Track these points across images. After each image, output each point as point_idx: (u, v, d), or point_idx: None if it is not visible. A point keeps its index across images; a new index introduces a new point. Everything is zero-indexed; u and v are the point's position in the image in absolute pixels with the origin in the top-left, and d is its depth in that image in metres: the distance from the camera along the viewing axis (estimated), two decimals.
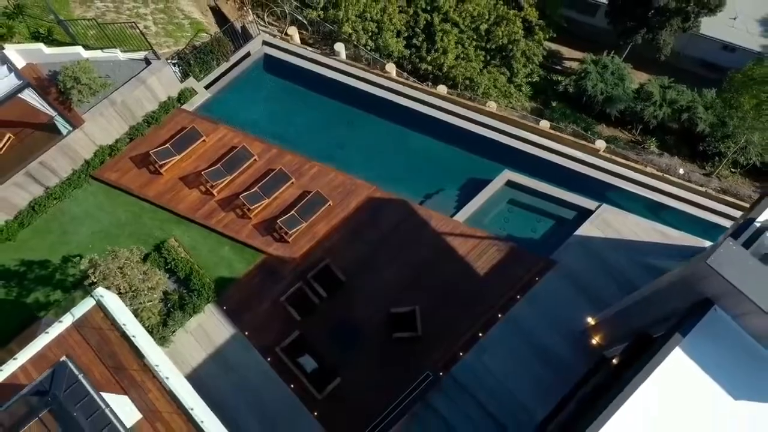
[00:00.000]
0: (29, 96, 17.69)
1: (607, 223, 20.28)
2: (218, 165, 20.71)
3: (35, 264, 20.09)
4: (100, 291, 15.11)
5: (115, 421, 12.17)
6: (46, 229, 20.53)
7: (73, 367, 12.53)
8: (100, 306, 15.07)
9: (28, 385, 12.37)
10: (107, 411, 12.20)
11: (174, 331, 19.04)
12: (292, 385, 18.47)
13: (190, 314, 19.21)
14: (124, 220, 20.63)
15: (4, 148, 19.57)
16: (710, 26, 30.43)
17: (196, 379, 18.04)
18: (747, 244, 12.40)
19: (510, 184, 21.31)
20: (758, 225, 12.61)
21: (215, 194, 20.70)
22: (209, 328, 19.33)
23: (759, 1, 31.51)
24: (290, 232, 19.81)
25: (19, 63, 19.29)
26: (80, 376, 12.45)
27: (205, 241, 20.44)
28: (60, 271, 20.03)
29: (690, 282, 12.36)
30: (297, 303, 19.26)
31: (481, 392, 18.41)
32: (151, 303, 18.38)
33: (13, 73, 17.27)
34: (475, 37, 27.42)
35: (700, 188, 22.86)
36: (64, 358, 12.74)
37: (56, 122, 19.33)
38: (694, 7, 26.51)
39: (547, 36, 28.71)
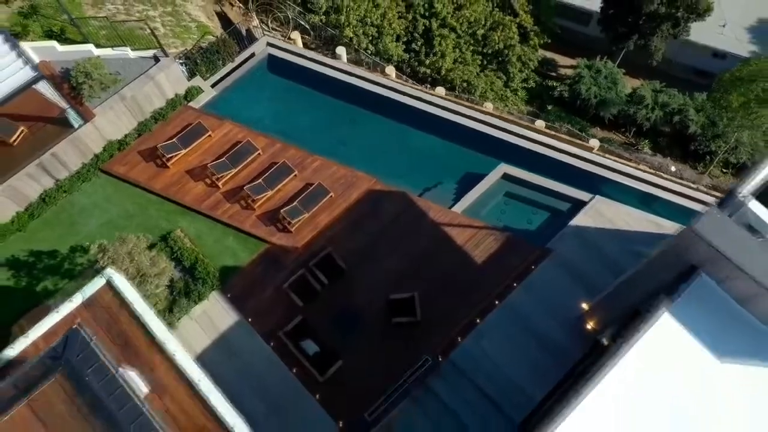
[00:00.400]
0: (43, 88, 18.41)
1: (601, 214, 20.90)
2: (223, 158, 21.40)
3: (44, 254, 20.63)
4: (109, 271, 15.60)
5: (124, 384, 12.64)
6: (55, 220, 21.14)
7: (84, 333, 13.04)
8: (109, 285, 15.50)
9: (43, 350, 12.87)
10: (117, 375, 12.68)
11: (179, 318, 19.52)
12: (294, 369, 18.89)
13: (195, 301, 19.71)
14: (131, 211, 21.24)
15: (17, 141, 20.25)
16: (700, 34, 31.41)
17: (200, 364, 18.43)
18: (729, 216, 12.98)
19: (506, 177, 21.98)
20: (741, 198, 13.20)
21: (220, 186, 21.35)
22: (214, 315, 19.81)
23: (747, 9, 32.53)
24: (293, 222, 20.42)
25: (33, 60, 20.05)
26: (92, 343, 12.95)
27: (210, 232, 21.02)
28: (68, 260, 20.56)
29: (677, 250, 12.96)
30: (299, 290, 19.78)
31: (479, 376, 18.82)
32: (159, 290, 18.93)
33: (28, 66, 18.02)
34: (472, 42, 28.35)
35: (692, 184, 23.53)
36: (76, 325, 13.24)
37: (68, 115, 20.03)
38: (683, 13, 27.44)
39: (542, 41, 29.67)
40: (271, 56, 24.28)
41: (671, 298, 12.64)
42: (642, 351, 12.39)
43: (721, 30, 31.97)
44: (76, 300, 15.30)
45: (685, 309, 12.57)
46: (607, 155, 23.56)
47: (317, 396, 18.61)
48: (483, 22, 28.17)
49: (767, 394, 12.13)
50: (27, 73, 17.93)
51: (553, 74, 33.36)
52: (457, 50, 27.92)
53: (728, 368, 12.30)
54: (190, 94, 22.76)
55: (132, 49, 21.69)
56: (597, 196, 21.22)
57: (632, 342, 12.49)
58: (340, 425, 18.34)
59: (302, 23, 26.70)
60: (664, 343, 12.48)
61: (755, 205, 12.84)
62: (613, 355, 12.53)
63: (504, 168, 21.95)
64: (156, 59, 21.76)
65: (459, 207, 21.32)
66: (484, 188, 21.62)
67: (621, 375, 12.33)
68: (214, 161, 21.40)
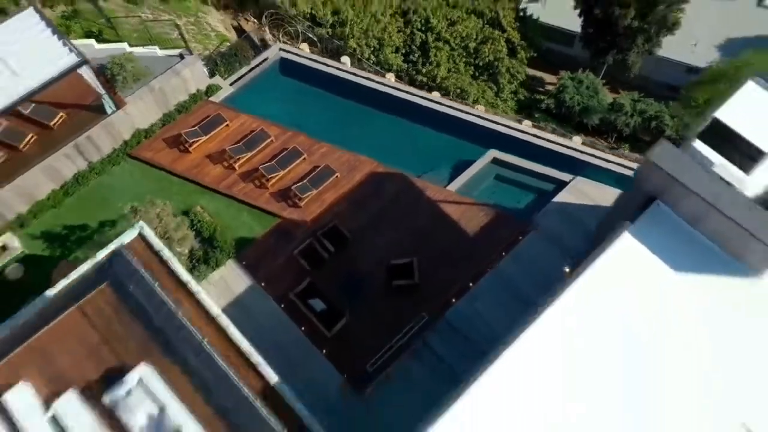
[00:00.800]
0: (86, 72, 20.88)
1: (581, 192, 23.08)
2: (240, 143, 23.75)
3: (76, 227, 22.67)
4: (141, 223, 17.64)
5: (162, 295, 14.56)
6: (87, 198, 23.27)
7: (126, 253, 15.03)
8: (141, 236, 17.52)
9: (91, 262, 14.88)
10: (156, 287, 14.62)
11: (199, 282, 21.34)
12: (303, 327, 20.65)
13: (213, 267, 21.64)
14: (156, 191, 23.34)
15: (57, 124, 22.64)
16: (675, 52, 34.41)
17: None
18: None
19: (495, 161, 24.29)
20: (688, 141, 15.46)
21: (237, 168, 23.60)
22: (230, 281, 21.69)
23: (716, 29, 35.59)
24: (302, 197, 22.58)
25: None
26: (133, 261, 14.93)
27: (227, 209, 23.12)
28: (98, 233, 22.57)
29: (638, 182, 15.13)
30: (308, 256, 21.74)
31: (473, 334, 20.58)
32: (184, 257, 20.92)
33: (73, 53, 20.49)
34: (464, 54, 31.15)
35: None
36: (119, 245, 15.24)
37: (103, 101, 22.45)
38: (654, 27, 30.34)
39: (529, 55, 32.47)
40: (283, 59, 27.01)
41: (632, 221, 14.70)
42: (605, 264, 14.38)
43: (693, 48, 34.92)
44: (112, 248, 17.32)
45: (643, 230, 14.64)
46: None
47: (324, 351, 20.31)
48: (474, 37, 31.03)
49: (712, 299, 14.04)
50: (72, 59, 20.33)
51: (540, 89, 36.14)
52: (451, 61, 30.69)
53: (681, 278, 14.26)
54: (211, 90, 25.31)
55: (160, 48, 24.35)
56: (578, 177, 23.46)
57: (597, 255, 14.50)
58: (345, 377, 20.02)
59: (310, 36, 29.50)
60: (625, 258, 14.47)
61: (700, 145, 15.05)
62: (575, 274, 14.50)
63: (493, 153, 24.29)
64: (182, 57, 24.38)
65: (453, 187, 23.55)
66: (476, 170, 23.91)
67: (582, 287, 14.24)
68: (231, 146, 23.73)
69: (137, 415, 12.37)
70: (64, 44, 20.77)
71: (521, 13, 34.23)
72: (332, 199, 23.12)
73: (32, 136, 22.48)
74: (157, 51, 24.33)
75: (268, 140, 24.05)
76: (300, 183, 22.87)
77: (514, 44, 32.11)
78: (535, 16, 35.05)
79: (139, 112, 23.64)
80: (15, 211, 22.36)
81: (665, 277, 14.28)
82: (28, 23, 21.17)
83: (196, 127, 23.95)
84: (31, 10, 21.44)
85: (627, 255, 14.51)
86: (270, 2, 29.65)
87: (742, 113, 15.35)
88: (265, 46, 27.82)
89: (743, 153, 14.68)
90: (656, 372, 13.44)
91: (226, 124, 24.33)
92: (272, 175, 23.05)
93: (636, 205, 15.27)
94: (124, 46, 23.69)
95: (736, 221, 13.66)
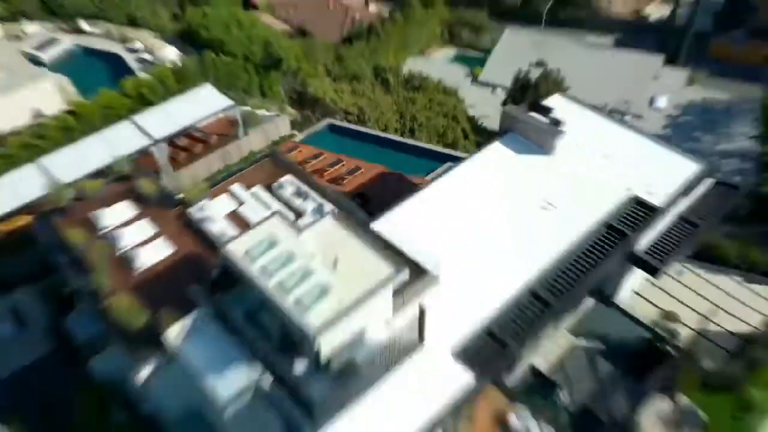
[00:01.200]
0: (236, 112, 40.74)
1: None
2: (308, 158, 42.80)
3: None
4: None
5: (296, 164, 32.47)
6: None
7: (278, 150, 33.16)
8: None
9: (263, 152, 33.02)
10: (294, 162, 32.57)
11: None
12: None
13: None
14: None
15: (212, 141, 41.94)
16: None
17: None
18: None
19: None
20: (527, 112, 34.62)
21: (307, 169, 42.33)
22: None
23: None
24: (345, 178, 41.04)
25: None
26: (281, 151, 32.99)
27: None
28: None
29: (501, 124, 33.99)
30: None
31: None
32: None
33: (230, 101, 40.53)
34: (436, 135, 51.45)
35: None
36: (271, 150, 33.39)
37: (239, 132, 41.96)
38: None
39: (476, 138, 52.86)
40: (330, 124, 47.25)
41: (499, 137, 33.35)
42: (484, 154, 32.56)
43: None
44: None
45: (503, 141, 33.09)
46: None
47: None
48: (442, 125, 51.62)
49: (533, 166, 32.06)
50: (227, 102, 40.25)
51: None
52: (428, 138, 50.86)
53: (520, 157, 32.37)
54: (291, 136, 45.06)
55: (267, 111, 44.61)
56: None
57: (475, 154, 32.78)
58: None
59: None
60: (493, 152, 32.69)
61: (530, 112, 34.14)
62: (462, 161, 32.73)
63: (449, 164, 43.20)
64: (278, 115, 44.49)
65: (427, 179, 42.07)
66: (440, 172, 42.58)
67: (469, 165, 32.35)
68: (303, 158, 42.75)
69: (288, 190, 29.80)
70: (225, 97, 40.92)
71: (473, 120, 55.39)
72: (360, 181, 41.51)
73: (199, 146, 41.67)
74: (265, 112, 44.54)
75: (323, 157, 43.19)
76: (342, 173, 41.57)
77: (466, 132, 52.66)
78: (480, 123, 56.34)
79: (253, 141, 43.12)
80: (185, 184, 40.63)
81: (513, 158, 32.37)
82: (206, 90, 41.48)
83: (284, 150, 43.24)
84: (208, 84, 41.96)
85: (494, 151, 32.73)
86: (321, 103, 50.84)
87: (552, 102, 34.76)
88: (318, 121, 48.30)
89: (545, 111, 33.62)
90: (511, 203, 30.82)
91: (299, 150, 43.64)
92: (326, 171, 41.81)
93: (501, 134, 33.85)
94: (248, 107, 43.93)
95: (541, 128, 32.20)
